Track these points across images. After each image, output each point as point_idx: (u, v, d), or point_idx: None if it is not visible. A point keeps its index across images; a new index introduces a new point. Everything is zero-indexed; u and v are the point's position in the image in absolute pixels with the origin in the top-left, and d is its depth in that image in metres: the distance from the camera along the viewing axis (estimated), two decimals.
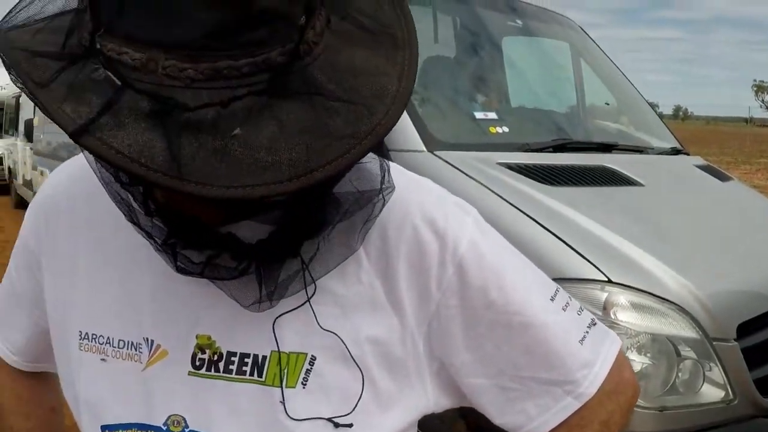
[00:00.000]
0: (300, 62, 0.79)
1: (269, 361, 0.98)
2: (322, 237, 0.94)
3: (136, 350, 1.04)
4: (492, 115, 3.95)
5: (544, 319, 1.05)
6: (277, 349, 0.98)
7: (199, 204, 0.86)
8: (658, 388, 2.74)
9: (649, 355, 2.75)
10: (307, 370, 0.98)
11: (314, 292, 0.97)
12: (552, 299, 1.07)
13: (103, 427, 1.06)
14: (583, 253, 2.85)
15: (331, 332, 0.98)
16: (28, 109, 14.98)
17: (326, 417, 0.99)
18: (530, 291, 1.06)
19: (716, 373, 2.83)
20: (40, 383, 1.38)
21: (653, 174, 3.97)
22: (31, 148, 12.07)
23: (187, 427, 1.01)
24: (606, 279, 2.79)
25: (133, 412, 1.04)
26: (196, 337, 1.01)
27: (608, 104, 5.42)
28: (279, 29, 0.78)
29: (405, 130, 3.34)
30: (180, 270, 0.94)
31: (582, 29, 5.49)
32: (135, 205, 0.94)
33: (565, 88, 5.30)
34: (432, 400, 1.07)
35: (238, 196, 0.74)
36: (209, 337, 1.00)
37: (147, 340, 1.03)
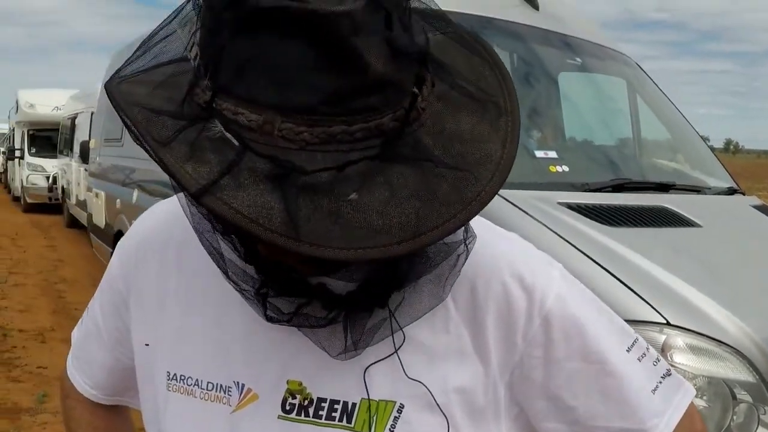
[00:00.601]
0: (409, 128, 0.83)
1: (359, 408, 1.01)
2: (409, 288, 0.97)
3: (225, 393, 1.07)
4: (552, 154, 3.98)
5: (620, 370, 1.07)
6: (366, 397, 1.01)
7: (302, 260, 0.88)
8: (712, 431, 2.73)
9: (705, 397, 2.75)
10: (395, 417, 1.01)
11: (402, 342, 1.00)
12: (629, 350, 1.10)
13: None
14: (643, 296, 2.86)
15: (419, 381, 1.01)
16: (83, 130, 15.11)
17: None
18: (610, 342, 1.08)
19: None
20: (116, 415, 1.41)
21: (711, 215, 3.96)
22: (85, 170, 12.17)
23: None
24: (665, 321, 2.80)
25: None
26: (287, 382, 1.04)
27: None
28: (391, 96, 0.81)
29: None
30: (269, 318, 0.97)
31: (638, 65, 5.51)
32: (227, 254, 0.98)
33: (621, 124, 5.30)
34: None
35: (350, 258, 0.77)
36: (300, 383, 1.03)
37: (237, 383, 1.06)
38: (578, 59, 4.79)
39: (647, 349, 1.13)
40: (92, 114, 13.41)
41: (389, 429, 1.01)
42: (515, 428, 1.09)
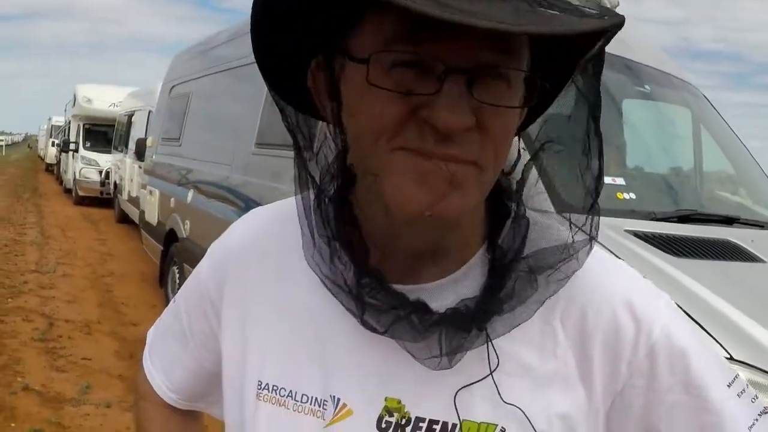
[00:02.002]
0: None
1: (459, 430, 0.99)
2: (509, 313, 0.97)
3: (320, 406, 1.05)
4: (620, 181, 3.97)
5: (720, 405, 1.05)
6: (468, 418, 0.99)
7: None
8: None
9: None
10: None
11: (497, 366, 0.98)
12: (729, 385, 1.07)
13: None
14: (707, 328, 2.83)
15: (516, 406, 0.99)
16: (139, 127, 15.33)
17: None
18: (712, 376, 1.06)
19: None
20: (191, 421, 1.40)
21: None
22: (140, 167, 12.27)
23: None
24: (728, 356, 2.76)
25: None
26: (385, 399, 1.02)
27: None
28: None
29: (534, 191, 3.30)
30: (364, 324, 0.97)
31: (705, 96, 5.46)
32: (331, 273, 0.99)
33: (685, 154, 5.26)
34: None
35: (464, 22, 0.76)
36: (399, 401, 1.02)
37: (333, 397, 1.04)
38: (647, 87, 4.76)
39: (746, 385, 1.11)
40: (149, 112, 13.58)
41: None
42: None
